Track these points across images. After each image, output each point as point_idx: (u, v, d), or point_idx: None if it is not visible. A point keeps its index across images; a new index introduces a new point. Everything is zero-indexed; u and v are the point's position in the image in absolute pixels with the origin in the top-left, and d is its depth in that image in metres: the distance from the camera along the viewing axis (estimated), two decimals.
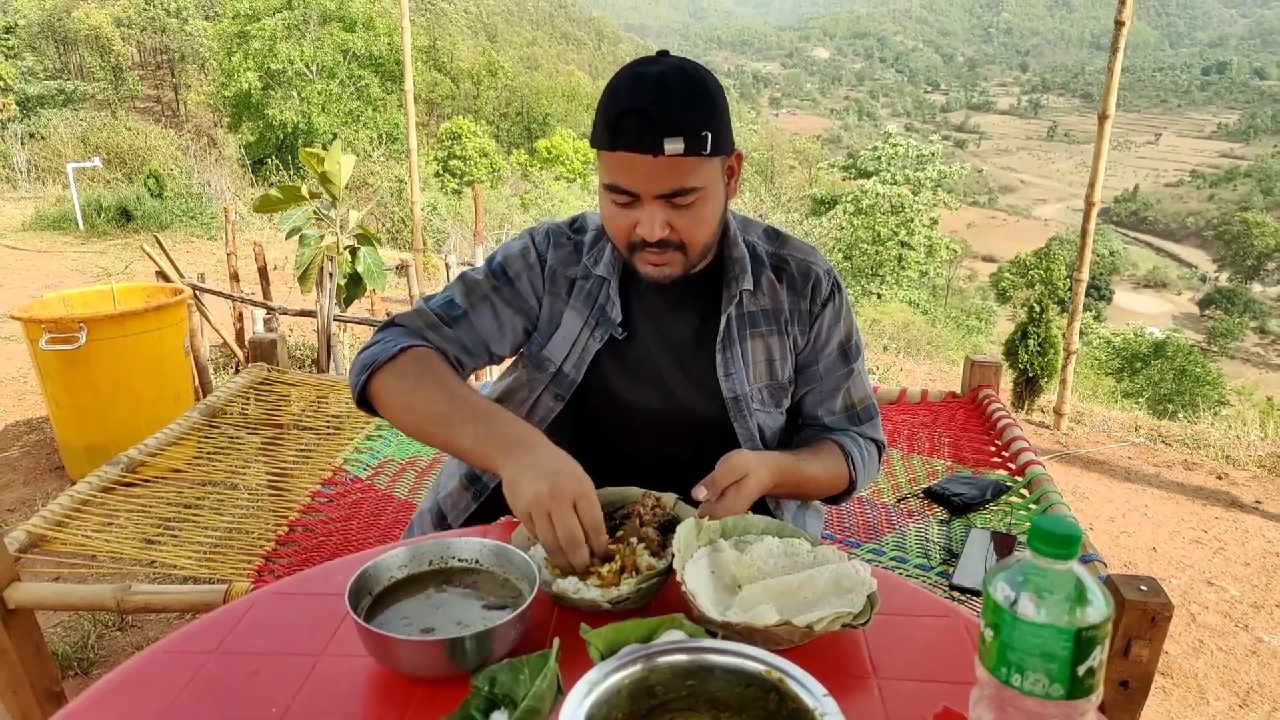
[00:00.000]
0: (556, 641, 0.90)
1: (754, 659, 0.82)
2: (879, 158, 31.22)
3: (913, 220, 28.42)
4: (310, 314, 3.73)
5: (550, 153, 43.22)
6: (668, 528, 1.15)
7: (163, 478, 2.12)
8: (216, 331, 4.02)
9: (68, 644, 2.52)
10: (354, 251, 3.69)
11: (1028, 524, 1.83)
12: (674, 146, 1.14)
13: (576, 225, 1.42)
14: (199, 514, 1.97)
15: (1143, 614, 1.45)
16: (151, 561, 1.78)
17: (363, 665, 0.98)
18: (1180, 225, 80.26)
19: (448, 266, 4.40)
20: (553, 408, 1.38)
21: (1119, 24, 3.31)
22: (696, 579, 1.05)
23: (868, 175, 30.79)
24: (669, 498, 1.21)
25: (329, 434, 2.31)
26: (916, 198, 29.07)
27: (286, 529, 1.87)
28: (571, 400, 1.38)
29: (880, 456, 1.50)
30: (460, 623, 0.99)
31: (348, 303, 3.98)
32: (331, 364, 3.29)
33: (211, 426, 2.28)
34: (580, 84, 64.68)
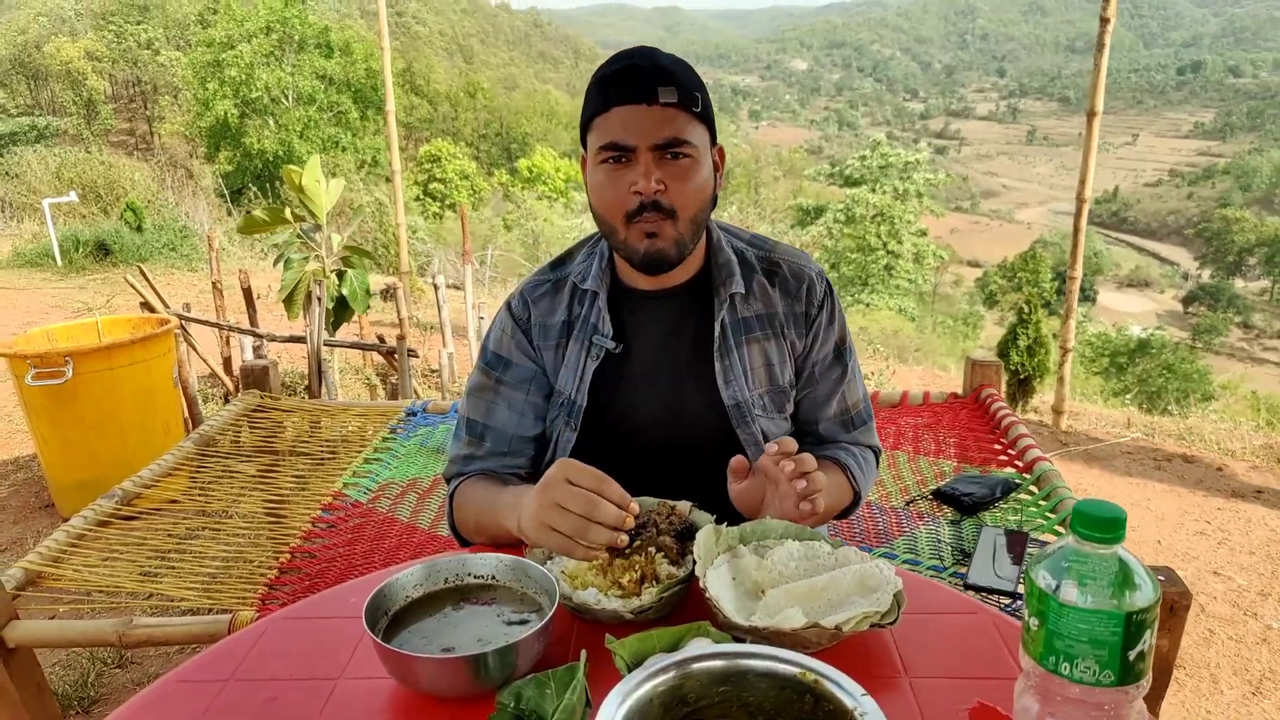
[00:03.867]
0: (584, 653, 0.88)
1: (788, 662, 0.80)
2: (867, 166, 31.41)
3: (900, 228, 28.58)
4: (300, 339, 3.70)
5: (532, 172, 43.32)
6: (685, 535, 1.13)
7: (158, 509, 2.08)
8: (204, 361, 3.98)
9: (67, 683, 2.47)
10: (340, 275, 3.66)
11: (1039, 520, 1.83)
12: (667, 95, 1.19)
13: (558, 260, 1.43)
14: (197, 545, 1.93)
15: (1162, 604, 1.43)
16: (150, 595, 1.75)
17: (383, 687, 0.95)
18: (1161, 224, 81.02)
19: (436, 288, 4.38)
20: (570, 438, 1.37)
21: (1104, 20, 3.33)
22: (719, 585, 1.03)
23: (855, 184, 30.95)
24: (684, 505, 1.19)
25: (326, 459, 2.28)
26: (904, 205, 29.26)
27: (289, 556, 1.83)
28: (585, 425, 1.37)
29: (877, 462, 1.49)
30: (481, 639, 0.97)
31: (335, 326, 3.95)
32: (324, 388, 3.26)
33: (205, 456, 2.25)
34: (558, 102, 64.99)
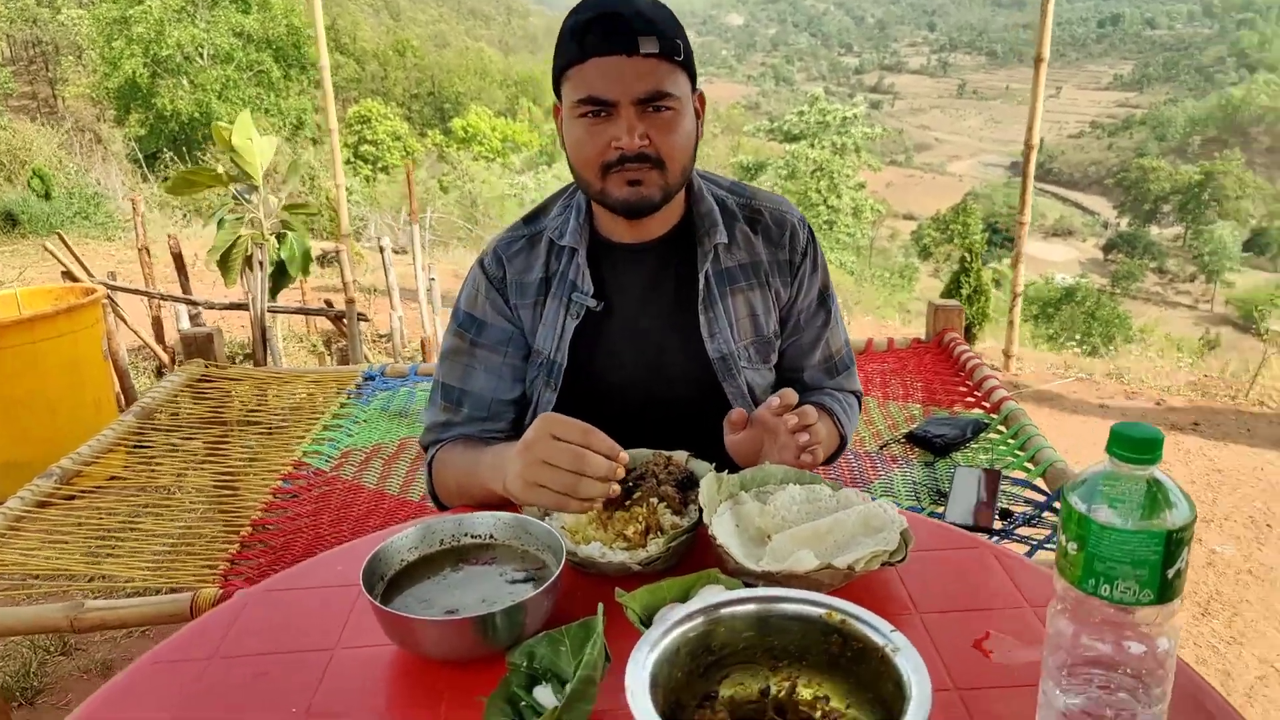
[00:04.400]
0: (600, 607, 0.85)
1: (813, 604, 0.79)
2: (806, 122, 31.47)
3: (839, 183, 28.80)
4: (240, 307, 3.56)
5: (467, 132, 42.44)
6: (686, 485, 1.11)
7: (101, 488, 1.99)
8: (134, 332, 3.80)
9: (7, 673, 2.35)
10: (280, 237, 3.52)
11: (1009, 459, 1.85)
12: (649, 45, 1.13)
13: (531, 215, 1.37)
14: (146, 523, 1.84)
15: None
16: (100, 576, 1.66)
17: (383, 654, 0.91)
18: (1083, 175, 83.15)
19: (382, 250, 4.24)
20: (550, 399, 1.33)
21: None
22: (724, 533, 1.01)
23: (794, 139, 31.01)
24: (680, 455, 1.17)
25: (282, 428, 2.19)
26: (843, 160, 29.46)
27: (249, 529, 1.76)
28: (565, 385, 1.32)
29: (859, 406, 1.49)
30: (485, 600, 0.94)
31: (274, 292, 3.81)
32: (270, 357, 3.15)
33: (148, 430, 2.15)
34: (492, 60, 63.62)
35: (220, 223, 3.41)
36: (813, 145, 29.71)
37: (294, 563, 1.65)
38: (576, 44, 1.15)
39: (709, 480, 1.06)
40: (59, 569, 1.61)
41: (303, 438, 2.14)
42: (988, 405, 2.06)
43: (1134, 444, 0.64)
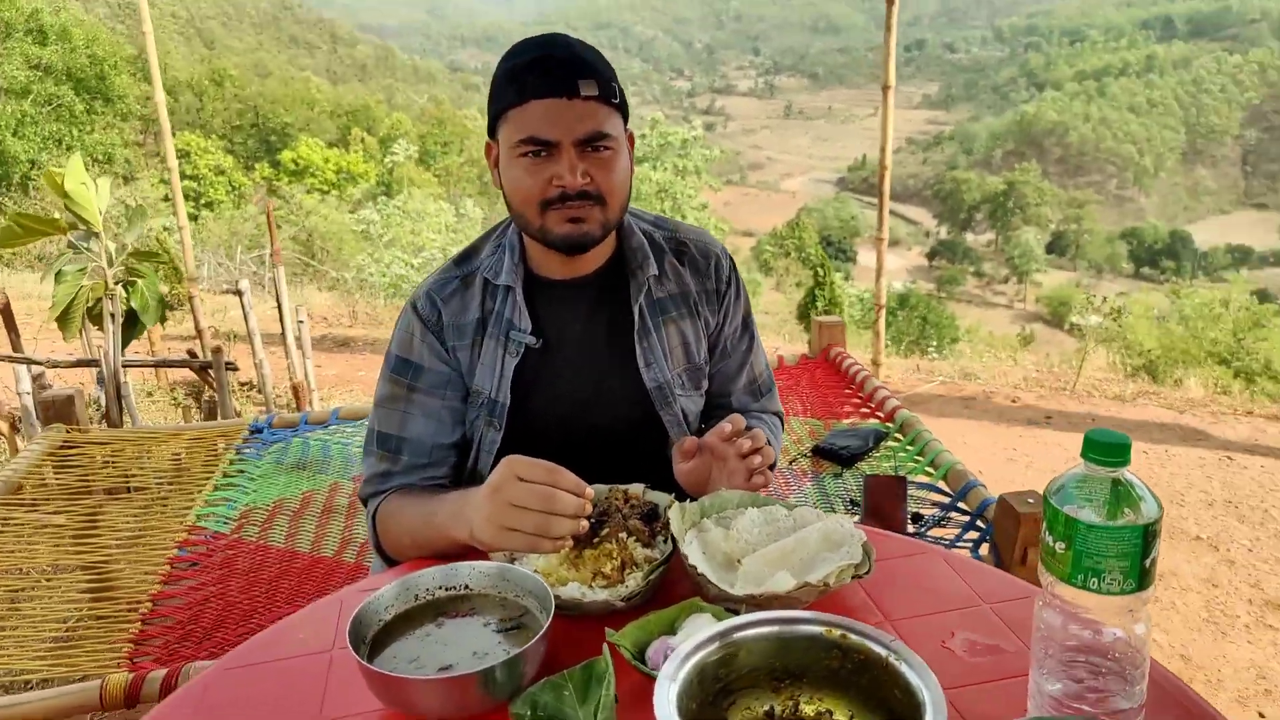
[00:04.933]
0: (607, 648, 0.86)
1: (813, 622, 0.83)
2: (648, 145, 32.05)
3: (683, 204, 29.47)
4: (89, 363, 3.30)
5: (298, 164, 40.83)
6: (650, 517, 1.13)
7: None
8: None
9: None
10: (130, 286, 3.28)
11: (910, 464, 1.97)
12: (589, 89, 1.16)
13: (462, 256, 1.36)
14: (32, 608, 1.68)
15: (1033, 521, 1.60)
16: None
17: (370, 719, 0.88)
18: (904, 187, 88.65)
19: (240, 293, 4.02)
20: (494, 439, 1.32)
21: (890, 2, 3.62)
22: (698, 561, 1.04)
23: (637, 162, 31.53)
24: (637, 488, 1.19)
25: (169, 492, 2.05)
26: (684, 181, 30.19)
27: (150, 605, 1.64)
28: (509, 423, 1.32)
29: (782, 426, 1.55)
30: (477, 652, 0.92)
31: (123, 345, 3.54)
32: (126, 417, 2.93)
33: (13, 506, 1.95)
34: (319, 89, 61.57)
35: (58, 275, 3.15)
36: (655, 168, 30.33)
37: (206, 636, 1.57)
38: (516, 86, 1.16)
39: (676, 511, 1.08)
40: None
41: (193, 500, 2.01)
42: (882, 415, 2.19)
43: (1106, 449, 0.71)
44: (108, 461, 2.15)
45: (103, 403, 2.89)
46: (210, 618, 1.60)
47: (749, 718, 0.84)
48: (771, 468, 1.46)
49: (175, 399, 4.27)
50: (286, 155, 42.05)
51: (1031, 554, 1.62)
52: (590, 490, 1.04)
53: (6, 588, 1.71)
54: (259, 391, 4.21)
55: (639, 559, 1.06)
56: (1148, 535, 0.70)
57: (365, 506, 1.35)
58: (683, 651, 0.80)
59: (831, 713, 0.83)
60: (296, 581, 1.73)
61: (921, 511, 1.79)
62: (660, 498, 1.16)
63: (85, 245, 3.16)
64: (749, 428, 1.40)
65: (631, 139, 1.29)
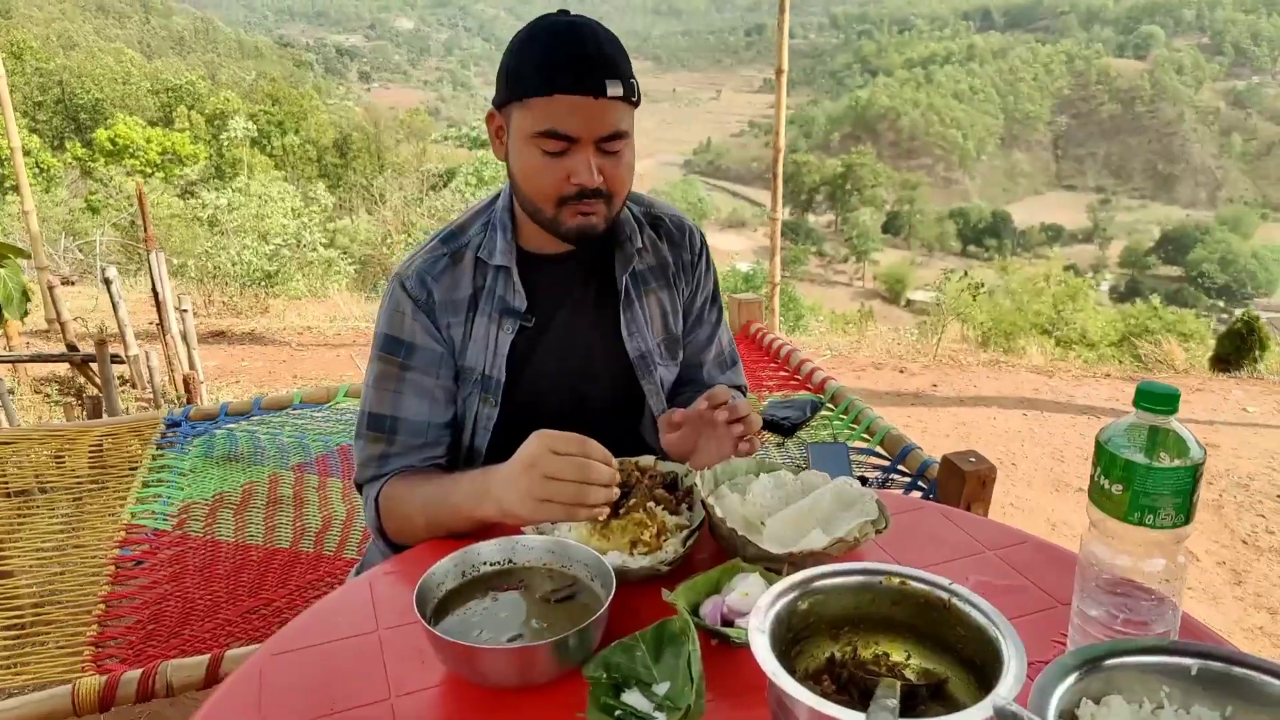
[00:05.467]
0: (683, 608, 0.90)
1: (872, 572, 0.90)
2: None
3: None
4: None
5: (115, 144, 37.88)
6: (671, 486, 1.18)
7: None
8: None
9: None
10: None
11: (845, 431, 2.09)
12: (614, 90, 1.18)
13: (449, 234, 1.36)
14: None
15: (977, 479, 1.74)
16: None
17: (443, 693, 0.91)
18: (747, 170, 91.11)
19: (109, 281, 3.72)
20: (490, 414, 1.33)
21: None
22: (737, 524, 1.09)
23: (482, 145, 31.04)
24: (647, 460, 1.23)
25: (94, 490, 1.92)
26: None
27: (103, 607, 1.56)
28: (503, 399, 1.34)
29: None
30: (537, 623, 0.95)
31: None
32: (3, 417, 2.70)
33: None
34: (134, 62, 57.18)
35: None
36: None
37: (172, 634, 1.51)
38: (543, 76, 1.17)
39: (704, 478, 1.14)
40: None
41: (124, 498, 1.89)
42: (811, 386, 2.30)
43: (1159, 398, 0.81)
44: (16, 463, 1.99)
45: None
46: (172, 616, 1.54)
47: (813, 664, 0.90)
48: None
49: (49, 396, 3.93)
50: (102, 134, 38.91)
51: (975, 506, 1.76)
52: (614, 461, 1.08)
53: None
54: (133, 386, 3.93)
55: (670, 526, 1.11)
56: (1196, 475, 0.80)
57: (361, 492, 1.33)
58: (763, 606, 0.86)
59: (888, 655, 0.90)
60: (256, 574, 1.68)
61: (866, 475, 1.91)
62: (676, 467, 1.21)
63: None
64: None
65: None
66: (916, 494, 1.87)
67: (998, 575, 1.08)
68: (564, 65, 1.17)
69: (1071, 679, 0.73)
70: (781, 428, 2.11)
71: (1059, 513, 3.33)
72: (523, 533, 1.08)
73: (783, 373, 2.44)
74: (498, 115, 1.27)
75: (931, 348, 5.79)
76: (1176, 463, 0.79)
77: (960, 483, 1.73)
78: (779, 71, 4.30)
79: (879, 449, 2.01)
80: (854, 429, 2.09)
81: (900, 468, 1.94)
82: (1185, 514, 0.81)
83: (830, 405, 2.21)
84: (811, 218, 72.48)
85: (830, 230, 69.44)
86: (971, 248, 65.59)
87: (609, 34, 1.22)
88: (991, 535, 1.16)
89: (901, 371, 4.72)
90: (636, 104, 1.25)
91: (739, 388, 1.61)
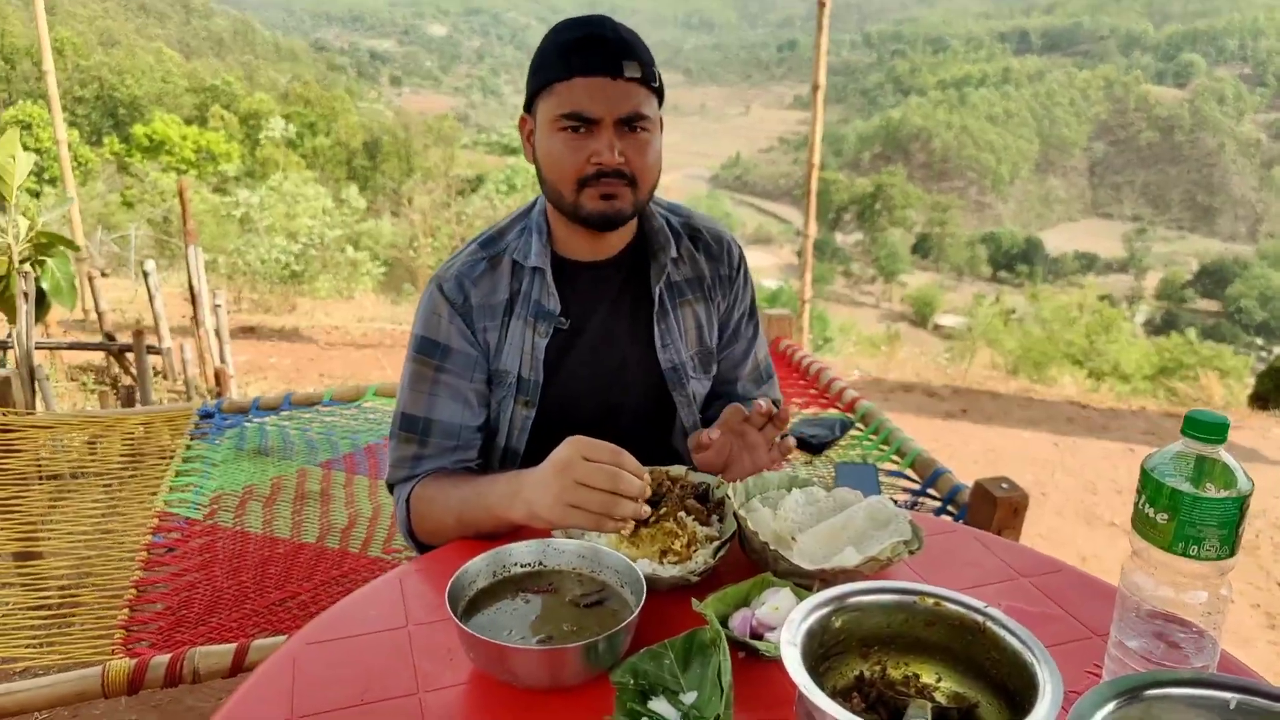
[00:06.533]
0: (714, 618, 0.90)
1: (906, 592, 0.89)
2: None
3: None
4: None
5: (152, 140, 38.48)
6: (702, 497, 1.18)
7: None
8: None
9: None
10: (39, 265, 3.05)
11: (875, 452, 2.07)
12: (632, 70, 1.21)
13: (488, 238, 1.38)
14: (8, 594, 1.59)
15: (1009, 506, 1.72)
16: None
17: (471, 691, 0.91)
18: (775, 186, 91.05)
19: (146, 274, 3.78)
20: (527, 415, 1.35)
21: (821, 4, 3.75)
22: (769, 539, 1.09)
23: (512, 152, 31.24)
24: (678, 470, 1.23)
25: (128, 477, 1.95)
26: None
27: (134, 592, 1.58)
28: (539, 402, 1.35)
29: None
30: (568, 625, 0.96)
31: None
32: (40, 401, 2.75)
33: None
34: (174, 61, 58.15)
35: None
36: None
37: (200, 622, 1.53)
38: (563, 62, 1.21)
39: (735, 491, 1.14)
40: None
41: (157, 486, 1.92)
42: (841, 405, 2.29)
43: (1208, 427, 0.80)
44: (56, 446, 2.03)
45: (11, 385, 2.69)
46: (201, 604, 1.56)
47: (842, 682, 0.89)
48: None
49: (85, 384, 3.99)
50: (139, 130, 39.53)
51: (1005, 533, 1.74)
52: (647, 474, 1.08)
53: None
54: (165, 378, 3.99)
55: (701, 537, 1.11)
56: (1243, 507, 0.79)
57: (392, 492, 1.34)
58: (796, 619, 0.85)
59: (918, 676, 0.89)
60: (283, 567, 1.70)
61: (895, 498, 1.90)
62: (707, 479, 1.21)
63: None
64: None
65: (661, 123, 1.33)
66: (946, 519, 1.85)
67: (1032, 602, 1.07)
68: (582, 48, 1.20)
69: (1109, 708, 0.72)
70: (810, 446, 2.11)
71: (1091, 546, 3.29)
72: (554, 536, 1.09)
73: (812, 390, 2.42)
74: (528, 119, 1.29)
75: (961, 372, 5.74)
76: (1224, 493, 0.78)
77: (992, 509, 1.72)
78: (815, 88, 4.30)
79: (909, 472, 2.00)
80: (883, 450, 2.07)
81: (930, 491, 1.92)
82: (1230, 546, 0.80)
83: (860, 425, 2.20)
84: (839, 236, 72.18)
85: (858, 250, 69.12)
86: (1002, 273, 65.05)
87: (628, 28, 1.26)
88: (1026, 562, 1.15)
89: (930, 395, 4.69)
90: (659, 91, 1.27)
91: (775, 402, 1.60)
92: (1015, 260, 65.58)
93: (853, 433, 2.19)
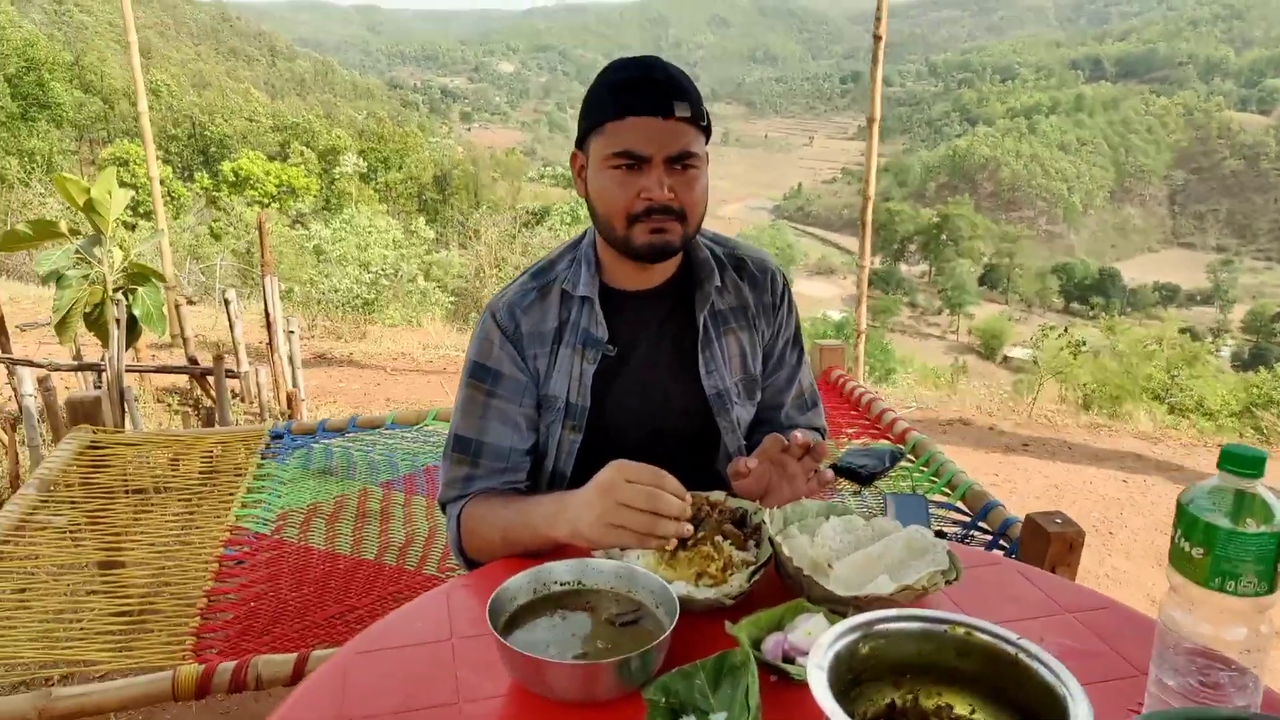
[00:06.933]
0: (745, 640, 0.92)
1: (938, 621, 0.89)
2: None
3: None
4: (91, 368, 3.25)
5: (238, 176, 40.14)
6: (740, 523, 1.20)
7: (24, 568, 1.79)
8: None
9: None
10: (131, 293, 3.23)
11: (925, 484, 2.06)
12: (682, 110, 1.26)
13: (539, 269, 1.43)
14: (91, 601, 1.69)
15: (1063, 542, 1.69)
16: (61, 663, 1.51)
17: (507, 703, 0.94)
18: (838, 217, 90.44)
19: (227, 302, 3.98)
20: (574, 440, 1.39)
21: (876, 38, 3.77)
22: (804, 564, 1.10)
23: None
24: (718, 495, 1.25)
25: (205, 493, 2.06)
26: None
27: (205, 601, 1.66)
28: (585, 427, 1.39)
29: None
30: (602, 643, 0.98)
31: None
32: (128, 420, 2.89)
33: (54, 504, 1.95)
34: (259, 102, 60.63)
35: (61, 280, 3.11)
36: None
37: (264, 631, 1.59)
38: (615, 102, 1.26)
39: (771, 517, 1.16)
40: (10, 657, 1.45)
41: (229, 501, 2.03)
42: (892, 436, 2.28)
43: (1245, 461, 0.79)
44: (140, 463, 2.15)
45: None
46: (266, 614, 1.64)
47: (873, 709, 0.90)
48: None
49: (170, 405, 4.20)
50: (227, 166, 41.28)
51: (1060, 570, 1.71)
52: (689, 496, 1.11)
53: (67, 584, 1.72)
54: (242, 400, 4.16)
55: (736, 561, 1.13)
56: None
57: (445, 511, 1.39)
58: (824, 643, 0.86)
59: (951, 707, 0.89)
60: (342, 583, 1.77)
61: (944, 530, 1.88)
62: (745, 504, 1.23)
63: (91, 251, 3.13)
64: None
65: (708, 157, 1.37)
66: (996, 554, 1.83)
67: (1076, 639, 1.05)
68: (634, 89, 1.25)
69: None
70: (859, 476, 2.10)
71: (1161, 588, 3.18)
72: (594, 555, 1.12)
73: (863, 421, 2.42)
74: (580, 155, 1.35)
75: (1026, 406, 5.62)
76: (1262, 528, 0.78)
77: (1044, 544, 1.69)
78: (870, 120, 4.31)
79: (960, 504, 1.98)
80: (934, 482, 2.06)
81: (981, 525, 1.90)
82: (1269, 582, 0.79)
83: (911, 456, 2.19)
84: (904, 267, 71.32)
85: (924, 281, 68.14)
86: (1075, 305, 63.38)
87: (677, 68, 1.31)
88: (1071, 597, 1.14)
89: (992, 429, 4.60)
90: (707, 130, 1.31)
91: (818, 429, 1.61)
92: (1089, 291, 63.79)
93: (903, 464, 2.18)
